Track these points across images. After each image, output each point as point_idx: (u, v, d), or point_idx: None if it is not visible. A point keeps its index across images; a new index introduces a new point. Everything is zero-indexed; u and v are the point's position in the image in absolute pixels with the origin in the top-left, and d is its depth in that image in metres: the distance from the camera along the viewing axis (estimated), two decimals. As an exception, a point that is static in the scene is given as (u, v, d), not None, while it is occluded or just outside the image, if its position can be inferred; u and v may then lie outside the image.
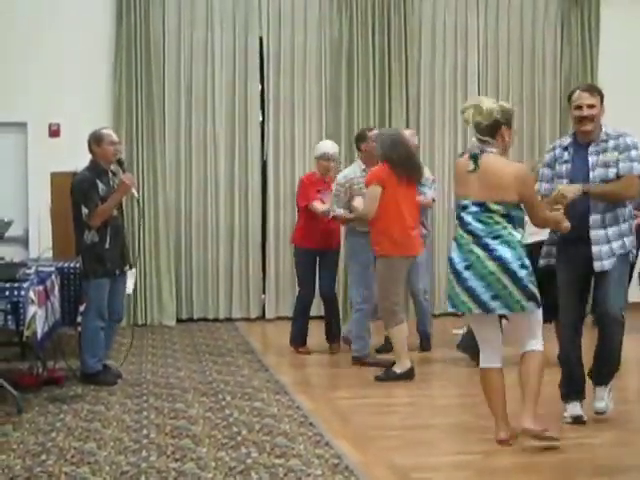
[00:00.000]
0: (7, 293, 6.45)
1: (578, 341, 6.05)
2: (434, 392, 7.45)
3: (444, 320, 10.43)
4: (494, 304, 5.44)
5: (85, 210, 7.28)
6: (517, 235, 5.48)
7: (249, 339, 9.76)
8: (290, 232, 11.17)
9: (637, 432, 6.01)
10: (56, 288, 7.48)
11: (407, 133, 8.55)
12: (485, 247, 5.46)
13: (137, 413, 6.45)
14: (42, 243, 8.87)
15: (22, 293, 6.44)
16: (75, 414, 6.41)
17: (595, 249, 5.84)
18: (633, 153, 5.82)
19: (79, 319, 7.63)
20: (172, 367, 8.17)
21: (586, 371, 6.10)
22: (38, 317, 6.65)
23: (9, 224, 7.46)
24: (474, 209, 5.51)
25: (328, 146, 8.89)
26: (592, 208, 5.85)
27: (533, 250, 8.43)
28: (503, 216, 5.48)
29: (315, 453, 5.38)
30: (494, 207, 5.46)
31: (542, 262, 6.21)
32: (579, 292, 6.04)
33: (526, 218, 5.65)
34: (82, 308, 7.54)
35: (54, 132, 10.64)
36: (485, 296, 5.44)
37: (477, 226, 5.50)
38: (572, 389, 6.08)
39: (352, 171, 8.35)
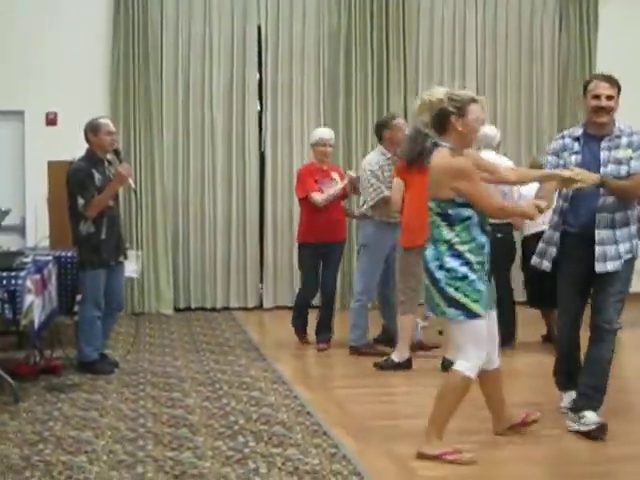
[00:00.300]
0: (4, 282, 6.42)
1: (578, 335, 5.86)
2: (433, 382, 7.39)
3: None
4: (426, 305, 5.36)
5: (81, 200, 7.26)
6: (447, 235, 5.10)
7: (246, 328, 9.76)
8: (287, 221, 11.20)
9: (633, 421, 6.00)
10: (53, 277, 7.46)
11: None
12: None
13: (134, 402, 6.45)
14: (39, 232, 8.86)
15: (19, 282, 6.43)
16: (72, 403, 6.41)
17: (599, 249, 5.57)
18: None
19: (76, 308, 7.61)
20: (169, 356, 8.17)
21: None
22: (35, 306, 6.63)
23: (6, 213, 7.44)
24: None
25: (324, 131, 8.84)
26: (601, 206, 5.59)
27: (531, 242, 8.52)
28: (438, 215, 5.14)
29: (312, 442, 5.38)
30: (430, 205, 5.19)
31: (535, 261, 5.99)
32: (582, 289, 5.78)
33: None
34: (79, 297, 7.52)
35: (51, 121, 10.61)
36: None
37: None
38: (572, 379, 5.87)
39: (378, 158, 8.14)
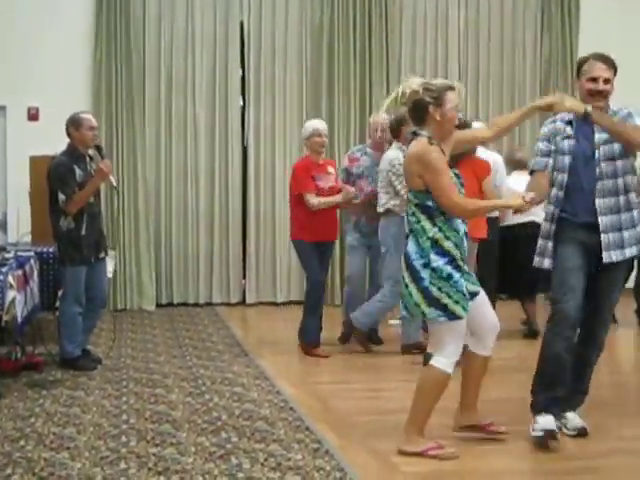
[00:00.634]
0: (-14, 278, 6.41)
1: (573, 337, 5.35)
2: (416, 377, 7.41)
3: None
4: (401, 304, 5.21)
5: (62, 196, 7.21)
6: (430, 230, 5.00)
7: (229, 324, 9.75)
8: (270, 217, 11.21)
9: (619, 416, 6.01)
10: (35, 273, 7.44)
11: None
12: (405, 243, 5.14)
13: (117, 398, 6.43)
14: (21, 227, 8.82)
15: (1, 277, 6.39)
16: (54, 399, 6.39)
17: (604, 238, 5.23)
18: (637, 118, 5.25)
19: (58, 304, 7.59)
20: (152, 352, 8.15)
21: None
22: (17, 302, 6.60)
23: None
24: None
25: (317, 122, 8.49)
26: (600, 189, 5.24)
27: (518, 232, 8.54)
28: (417, 206, 5.04)
29: (295, 438, 5.38)
30: (409, 196, 5.12)
31: (536, 261, 5.51)
32: (585, 280, 5.29)
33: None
34: (60, 293, 7.50)
35: (33, 116, 10.58)
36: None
37: (406, 219, 5.20)
38: (554, 397, 5.33)
39: (399, 154, 7.88)
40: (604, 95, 5.26)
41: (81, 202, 7.27)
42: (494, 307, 8.24)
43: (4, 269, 6.48)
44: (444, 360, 5.08)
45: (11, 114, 10.54)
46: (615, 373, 7.62)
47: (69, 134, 7.41)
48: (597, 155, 5.27)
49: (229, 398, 6.39)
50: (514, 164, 9.03)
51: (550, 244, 5.41)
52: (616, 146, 5.26)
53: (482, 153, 7.89)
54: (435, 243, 4.99)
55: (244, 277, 11.36)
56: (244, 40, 11.27)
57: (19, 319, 6.65)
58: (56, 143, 7.60)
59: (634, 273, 8.53)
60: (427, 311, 4.99)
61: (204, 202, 11.14)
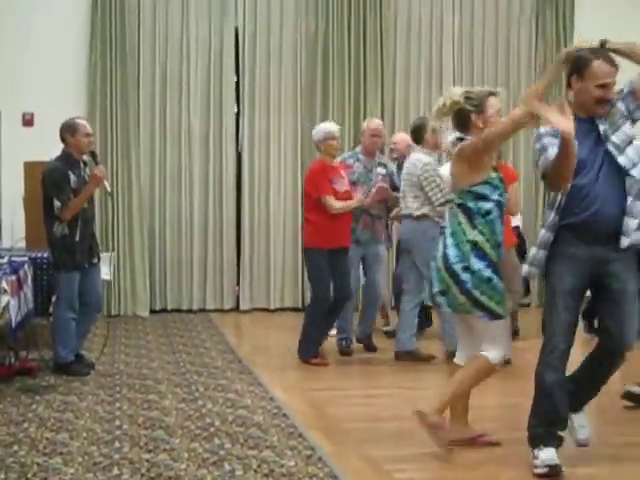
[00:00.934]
0: (-21, 283, 6.40)
1: (566, 364, 4.95)
2: (412, 384, 7.43)
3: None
4: (440, 299, 5.19)
5: (57, 203, 7.20)
6: (471, 232, 5.03)
7: (223, 330, 9.75)
8: (264, 223, 11.21)
9: (608, 423, 6.01)
10: (29, 278, 7.43)
11: (377, 123, 8.56)
12: (443, 243, 5.19)
13: (110, 404, 6.42)
14: (15, 233, 8.82)
15: (-5, 283, 6.41)
16: (47, 405, 6.38)
17: (626, 220, 4.79)
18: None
19: (51, 309, 7.58)
20: (145, 358, 8.15)
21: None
22: (11, 307, 6.60)
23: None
24: None
25: (331, 125, 8.31)
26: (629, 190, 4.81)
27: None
28: (459, 206, 5.11)
29: (288, 444, 5.38)
30: (452, 196, 5.20)
31: (526, 270, 5.13)
32: (579, 303, 4.95)
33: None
34: (54, 299, 7.50)
35: (27, 121, 10.57)
36: (434, 289, 5.20)
37: (447, 221, 5.29)
38: (553, 429, 4.95)
39: (429, 158, 7.96)
40: (609, 101, 4.89)
41: (76, 209, 7.27)
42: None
43: (-2, 274, 6.49)
44: (494, 352, 5.16)
45: (6, 119, 10.52)
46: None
47: (64, 140, 7.38)
48: (610, 148, 4.86)
49: (222, 404, 6.38)
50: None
51: (542, 253, 4.97)
52: (626, 127, 4.92)
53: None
54: (475, 246, 5.04)
55: (238, 283, 11.36)
56: (239, 46, 11.27)
57: (13, 324, 6.65)
58: (50, 149, 7.59)
59: None
60: (472, 310, 5.07)
61: (198, 209, 11.14)
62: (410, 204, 7.95)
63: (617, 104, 4.92)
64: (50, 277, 7.58)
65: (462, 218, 5.10)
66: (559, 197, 4.93)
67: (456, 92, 5.19)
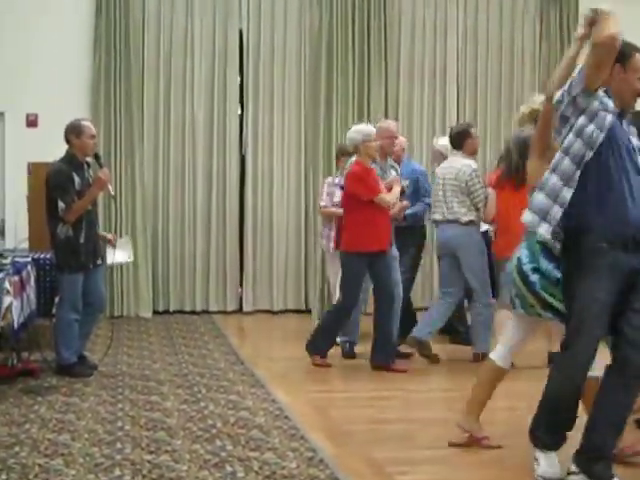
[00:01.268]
0: (-18, 283, 6.41)
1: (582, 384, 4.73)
2: (413, 387, 7.42)
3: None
4: (515, 300, 5.16)
5: (62, 205, 7.19)
6: (538, 231, 4.73)
7: (225, 332, 9.75)
8: (267, 225, 11.21)
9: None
10: (32, 279, 7.43)
11: (393, 125, 8.57)
12: (520, 245, 5.18)
13: (112, 405, 6.42)
14: (19, 234, 8.83)
15: (-3, 283, 6.41)
16: (49, 406, 6.38)
17: None
18: None
19: (54, 310, 7.59)
20: (148, 359, 8.15)
21: None
22: (14, 308, 6.61)
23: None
24: None
25: (369, 127, 8.06)
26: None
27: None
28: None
29: (290, 446, 5.37)
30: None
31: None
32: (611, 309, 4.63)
33: None
34: (57, 300, 7.50)
35: (32, 122, 10.58)
36: (512, 292, 5.18)
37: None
38: (562, 434, 4.82)
39: (470, 162, 8.05)
40: None
41: (80, 211, 7.26)
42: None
43: (1, 275, 6.49)
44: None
45: (10, 120, 10.54)
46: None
47: (69, 141, 7.37)
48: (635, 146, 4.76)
49: (224, 406, 6.38)
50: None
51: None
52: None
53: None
54: (544, 246, 4.99)
55: (241, 285, 11.36)
56: (243, 47, 11.28)
57: (15, 325, 6.65)
58: (54, 150, 7.59)
59: None
60: (543, 313, 5.06)
61: (201, 210, 11.15)
62: (457, 209, 8.01)
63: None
64: (53, 278, 7.59)
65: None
66: (574, 168, 4.62)
67: (536, 101, 5.36)
